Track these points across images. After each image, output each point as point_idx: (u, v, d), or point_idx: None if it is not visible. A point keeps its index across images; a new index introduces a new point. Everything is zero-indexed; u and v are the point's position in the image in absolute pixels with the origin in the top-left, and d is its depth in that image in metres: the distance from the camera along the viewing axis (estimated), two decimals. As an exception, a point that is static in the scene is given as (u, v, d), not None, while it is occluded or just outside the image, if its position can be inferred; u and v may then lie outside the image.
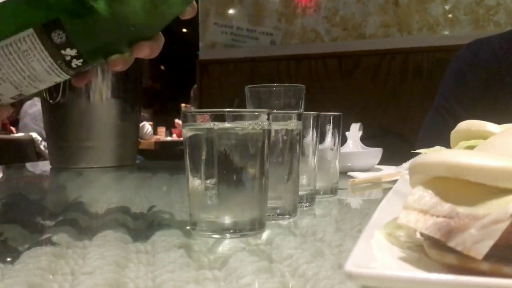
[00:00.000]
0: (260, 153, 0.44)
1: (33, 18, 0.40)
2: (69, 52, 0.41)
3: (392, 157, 1.00)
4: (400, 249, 0.31)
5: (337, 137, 0.69)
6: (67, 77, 0.44)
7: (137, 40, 0.44)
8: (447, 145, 0.48)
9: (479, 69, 1.16)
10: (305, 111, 0.60)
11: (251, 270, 0.34)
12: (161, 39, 0.47)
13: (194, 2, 0.46)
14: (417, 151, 0.48)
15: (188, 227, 0.46)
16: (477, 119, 0.46)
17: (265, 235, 0.44)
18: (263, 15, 2.36)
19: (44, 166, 1.24)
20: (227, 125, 0.43)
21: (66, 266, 0.35)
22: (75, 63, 0.42)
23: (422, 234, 0.29)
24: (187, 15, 0.46)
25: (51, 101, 1.11)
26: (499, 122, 0.45)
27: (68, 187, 0.89)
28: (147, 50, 0.45)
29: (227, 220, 0.43)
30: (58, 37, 0.40)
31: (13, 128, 3.77)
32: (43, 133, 2.39)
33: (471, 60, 1.19)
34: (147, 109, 4.92)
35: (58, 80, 0.44)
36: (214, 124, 0.43)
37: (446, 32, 2.07)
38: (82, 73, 0.45)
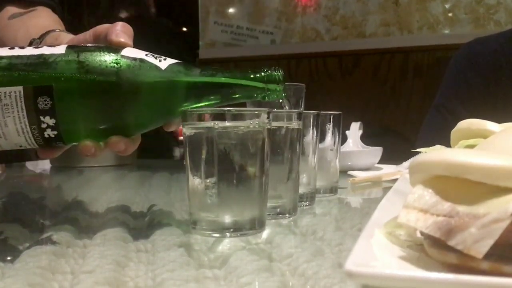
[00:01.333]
0: (260, 152, 0.44)
1: (27, 78, 0.40)
2: (48, 120, 0.41)
3: (392, 156, 1.00)
4: (400, 248, 0.31)
5: (337, 136, 0.69)
6: (33, 145, 0.43)
7: (115, 133, 0.44)
8: (447, 144, 0.48)
9: (479, 67, 1.16)
10: (305, 110, 0.60)
11: (251, 269, 0.34)
12: (138, 140, 0.47)
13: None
14: (417, 150, 0.48)
15: (188, 226, 0.46)
16: (478, 117, 0.46)
17: (265, 234, 0.44)
18: (263, 14, 2.35)
19: (44, 165, 1.24)
20: (227, 124, 0.43)
21: (66, 265, 0.35)
22: (48, 133, 0.42)
23: (422, 233, 0.29)
24: (172, 127, 0.47)
25: None
26: (499, 121, 0.45)
27: (68, 186, 0.89)
28: (122, 146, 0.45)
29: (227, 219, 0.43)
30: (43, 103, 0.40)
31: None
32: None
33: (471, 59, 1.19)
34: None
35: (23, 145, 0.43)
36: (214, 123, 0.43)
37: (446, 31, 2.07)
38: (51, 148, 0.45)
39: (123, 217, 0.52)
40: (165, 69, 0.44)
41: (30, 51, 0.42)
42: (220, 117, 0.43)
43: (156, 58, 0.44)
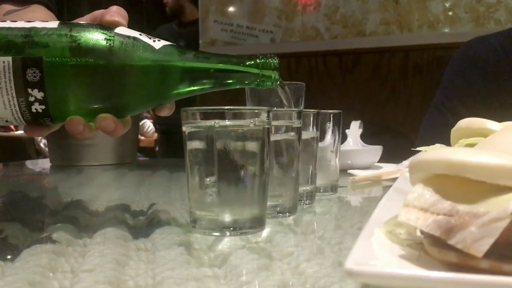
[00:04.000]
0: (260, 151, 0.44)
1: (17, 49, 0.40)
2: (36, 93, 0.40)
3: (392, 154, 1.00)
4: (400, 247, 0.31)
5: (337, 135, 0.69)
6: (19, 121, 0.42)
7: (104, 111, 0.43)
8: (447, 142, 0.48)
9: (479, 66, 1.16)
10: (305, 108, 0.60)
11: (251, 267, 0.34)
12: (129, 123, 0.46)
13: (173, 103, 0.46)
14: (417, 148, 0.48)
15: (188, 225, 0.46)
16: (478, 116, 0.46)
17: (265, 232, 0.44)
18: (263, 12, 2.35)
19: (44, 164, 1.24)
20: (227, 123, 0.43)
21: (66, 264, 0.35)
22: (36, 107, 0.41)
23: (422, 232, 0.29)
24: (163, 112, 0.46)
25: None
26: (500, 119, 0.45)
27: (68, 185, 0.89)
28: (112, 125, 0.43)
29: (227, 217, 0.43)
30: (32, 75, 0.39)
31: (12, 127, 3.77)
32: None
33: (471, 58, 1.19)
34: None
35: (9, 119, 0.42)
36: (214, 122, 0.43)
37: (446, 30, 2.07)
38: (38, 125, 0.44)
39: (123, 216, 0.52)
40: (158, 49, 0.43)
41: (22, 24, 0.41)
42: (220, 115, 0.43)
43: (150, 38, 0.43)
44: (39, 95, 0.40)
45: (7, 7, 0.68)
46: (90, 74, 0.41)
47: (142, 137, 3.45)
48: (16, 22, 0.42)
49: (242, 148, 0.44)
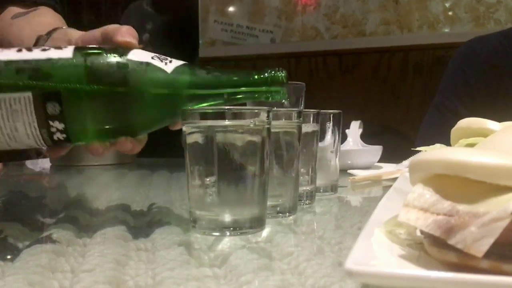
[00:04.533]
0: (260, 150, 0.44)
1: (36, 84, 0.41)
2: (57, 125, 0.42)
3: (392, 154, 1.00)
4: (400, 247, 0.31)
5: (337, 135, 0.69)
6: (42, 146, 0.44)
7: (122, 134, 0.45)
8: (447, 142, 0.48)
9: (480, 66, 1.16)
10: (305, 108, 0.60)
11: (251, 267, 0.34)
12: (145, 139, 0.48)
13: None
14: (417, 148, 0.48)
15: (188, 225, 0.46)
16: (478, 116, 0.46)
17: (265, 232, 0.44)
18: (263, 12, 2.35)
19: (44, 164, 1.24)
20: (227, 122, 0.43)
21: (66, 264, 0.35)
22: (57, 136, 0.43)
23: (422, 232, 0.29)
24: (177, 126, 0.48)
25: None
26: (500, 119, 0.45)
27: (68, 185, 0.89)
28: (129, 146, 0.47)
29: (227, 217, 0.43)
30: (52, 108, 0.41)
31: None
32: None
33: (471, 57, 1.19)
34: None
35: (33, 145, 0.44)
36: (215, 122, 0.43)
37: (446, 30, 2.07)
38: (59, 147, 0.46)
39: (123, 215, 0.52)
40: (170, 72, 0.44)
41: (37, 54, 0.42)
42: (220, 116, 0.43)
43: (162, 61, 0.45)
44: (60, 126, 0.42)
45: (15, 9, 0.68)
46: (107, 102, 0.43)
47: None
48: (32, 52, 0.43)
49: (242, 148, 0.44)
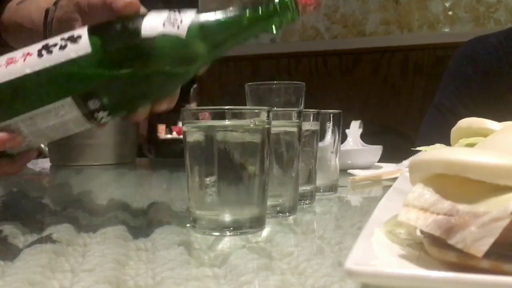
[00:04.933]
0: (260, 150, 0.44)
1: (73, 89, 0.44)
2: (101, 114, 0.45)
3: (392, 154, 1.00)
4: (400, 246, 0.31)
5: (337, 135, 0.69)
6: (95, 126, 0.47)
7: (158, 97, 0.48)
8: (447, 142, 0.48)
9: (480, 66, 1.16)
10: (305, 108, 0.60)
11: (251, 267, 0.34)
12: (178, 93, 0.50)
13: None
14: (417, 148, 0.48)
15: (188, 225, 0.46)
16: (478, 116, 0.46)
17: (265, 232, 0.44)
18: (263, 12, 2.35)
19: (44, 164, 1.24)
20: (227, 122, 0.43)
21: (66, 264, 0.35)
22: (104, 120, 0.46)
23: (422, 232, 0.29)
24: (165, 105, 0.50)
25: None
26: (501, 119, 0.45)
27: (68, 185, 0.89)
28: (166, 105, 0.49)
29: (227, 217, 0.43)
30: (93, 104, 0.44)
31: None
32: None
33: (472, 57, 1.19)
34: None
35: (85, 130, 0.48)
36: (214, 122, 0.43)
37: (447, 30, 2.07)
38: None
39: (123, 215, 0.52)
40: (185, 37, 0.45)
41: (58, 56, 0.44)
42: (220, 115, 0.43)
43: (174, 26, 0.45)
44: (105, 114, 0.45)
45: None
46: (136, 81, 0.45)
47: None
48: (52, 54, 0.44)
49: (242, 148, 0.44)
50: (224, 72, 2.35)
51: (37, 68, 0.44)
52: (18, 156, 0.48)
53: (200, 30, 0.46)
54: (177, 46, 0.45)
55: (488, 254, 0.24)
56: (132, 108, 0.48)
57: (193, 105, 3.43)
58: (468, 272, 0.23)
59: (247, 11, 0.47)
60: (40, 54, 0.44)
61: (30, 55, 0.44)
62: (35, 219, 0.53)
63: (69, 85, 0.44)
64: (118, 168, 1.12)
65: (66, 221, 0.48)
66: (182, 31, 0.45)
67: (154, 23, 0.45)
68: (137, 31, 0.45)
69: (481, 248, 0.24)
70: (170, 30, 0.45)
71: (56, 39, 0.45)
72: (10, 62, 0.44)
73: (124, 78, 0.44)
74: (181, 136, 0.48)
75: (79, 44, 0.44)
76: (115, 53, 0.44)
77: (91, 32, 0.45)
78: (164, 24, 0.45)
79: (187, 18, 0.46)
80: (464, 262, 0.25)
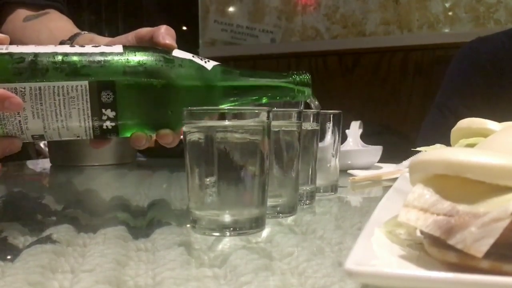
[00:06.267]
0: (260, 151, 0.44)
1: (92, 74, 0.44)
2: (109, 113, 0.45)
3: (392, 155, 1.00)
4: (400, 247, 0.31)
5: (337, 135, 0.69)
6: (89, 136, 0.47)
7: (164, 127, 0.48)
8: (448, 143, 0.48)
9: (481, 67, 1.16)
10: (305, 108, 0.60)
11: (251, 268, 0.34)
12: (181, 134, 0.50)
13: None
14: (417, 149, 0.48)
15: (188, 225, 0.46)
16: (479, 117, 0.46)
17: (265, 233, 0.44)
18: (263, 12, 2.35)
19: (44, 164, 1.24)
20: (227, 122, 0.43)
21: (66, 264, 0.35)
22: (107, 125, 0.46)
23: (422, 232, 0.29)
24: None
25: None
26: (502, 120, 0.45)
27: (68, 185, 0.89)
28: (170, 139, 0.49)
29: (227, 218, 0.43)
30: (106, 96, 0.44)
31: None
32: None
33: (473, 58, 1.19)
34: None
35: (80, 136, 0.47)
36: (214, 122, 0.43)
37: (446, 30, 2.07)
38: (102, 140, 0.49)
39: (123, 216, 0.52)
40: (210, 70, 0.49)
41: (90, 49, 0.46)
42: (220, 115, 0.43)
43: (201, 60, 0.49)
44: (111, 114, 0.45)
45: (24, 12, 0.68)
46: (155, 94, 0.46)
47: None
48: (85, 47, 0.46)
49: (242, 148, 0.44)
50: (224, 72, 2.35)
51: (66, 51, 0.45)
52: None
53: (223, 73, 0.49)
54: (200, 74, 0.48)
55: (488, 255, 0.24)
56: (136, 125, 0.48)
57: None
58: (468, 273, 0.23)
59: (266, 74, 0.51)
60: (72, 46, 0.47)
61: (62, 46, 0.47)
62: (35, 219, 0.53)
63: (92, 70, 0.44)
64: (118, 168, 1.12)
65: (66, 221, 0.48)
66: (208, 66, 0.49)
67: (184, 53, 0.49)
68: (168, 51, 0.48)
69: (481, 248, 0.24)
70: (198, 61, 0.49)
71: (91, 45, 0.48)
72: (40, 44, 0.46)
73: (143, 84, 0.45)
74: (181, 137, 0.48)
75: (112, 47, 0.47)
76: (144, 59, 0.46)
77: (125, 46, 0.48)
78: (193, 56, 0.49)
79: (214, 62, 0.50)
80: (464, 263, 0.25)
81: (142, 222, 0.50)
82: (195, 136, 0.44)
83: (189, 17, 2.58)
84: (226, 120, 0.43)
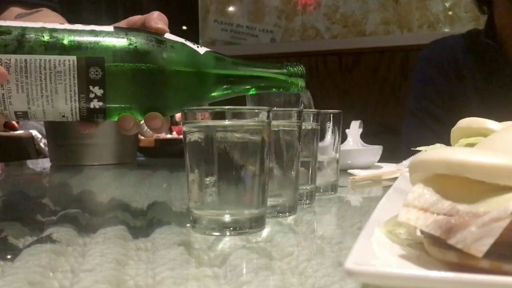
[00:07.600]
0: (260, 150, 0.44)
1: (81, 49, 0.43)
2: (96, 90, 0.43)
3: (392, 154, 1.00)
4: (400, 246, 0.31)
5: (337, 135, 0.69)
6: (75, 117, 0.45)
7: (153, 111, 0.47)
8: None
9: (439, 66, 1.24)
10: (305, 108, 0.60)
11: (251, 267, 0.34)
12: (169, 121, 0.50)
13: None
14: (417, 148, 0.48)
15: (188, 225, 0.46)
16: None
17: (265, 232, 0.44)
18: (263, 12, 2.35)
19: (44, 164, 1.24)
20: (227, 122, 0.43)
21: (66, 264, 0.35)
22: (94, 104, 0.44)
23: (422, 232, 0.29)
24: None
25: None
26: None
27: (68, 185, 0.89)
28: (159, 123, 0.47)
29: (227, 217, 0.43)
30: (95, 73, 0.43)
31: (15, 124, 3.75)
32: (43, 130, 2.38)
33: (431, 59, 1.27)
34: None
35: (66, 115, 0.45)
36: (214, 122, 0.43)
37: (447, 30, 2.07)
38: (89, 122, 0.47)
39: (123, 215, 0.52)
40: (202, 55, 0.48)
41: (80, 26, 0.45)
42: (220, 115, 0.43)
43: (194, 44, 0.48)
44: (99, 92, 0.43)
45: (17, 10, 0.68)
46: (144, 74, 0.45)
47: (142, 137, 3.45)
48: (75, 25, 0.45)
49: (242, 148, 0.44)
50: (224, 72, 2.35)
51: (56, 27, 0.44)
52: None
53: (215, 59, 0.48)
54: (192, 57, 0.47)
55: (488, 254, 0.24)
56: (124, 107, 0.46)
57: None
58: (468, 272, 0.23)
59: (259, 64, 0.51)
60: (61, 23, 0.46)
61: (53, 23, 0.45)
62: (35, 219, 0.53)
63: (81, 45, 0.43)
64: (118, 168, 1.12)
65: (66, 221, 0.48)
66: (200, 50, 0.48)
67: (176, 37, 0.48)
68: (161, 34, 0.47)
69: (481, 248, 0.24)
70: (190, 44, 0.48)
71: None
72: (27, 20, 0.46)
73: (133, 63, 0.44)
74: (181, 136, 0.47)
75: (103, 26, 0.46)
76: (135, 38, 0.45)
77: (117, 26, 0.47)
78: (185, 40, 0.48)
79: (207, 48, 0.49)
80: (464, 262, 0.25)
81: (142, 222, 0.50)
82: (195, 136, 0.44)
83: (189, 17, 2.58)
84: (226, 120, 0.43)
